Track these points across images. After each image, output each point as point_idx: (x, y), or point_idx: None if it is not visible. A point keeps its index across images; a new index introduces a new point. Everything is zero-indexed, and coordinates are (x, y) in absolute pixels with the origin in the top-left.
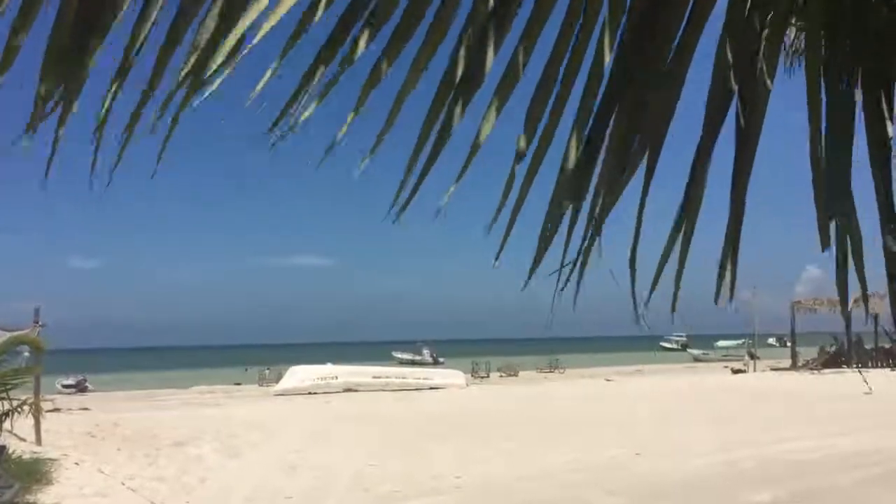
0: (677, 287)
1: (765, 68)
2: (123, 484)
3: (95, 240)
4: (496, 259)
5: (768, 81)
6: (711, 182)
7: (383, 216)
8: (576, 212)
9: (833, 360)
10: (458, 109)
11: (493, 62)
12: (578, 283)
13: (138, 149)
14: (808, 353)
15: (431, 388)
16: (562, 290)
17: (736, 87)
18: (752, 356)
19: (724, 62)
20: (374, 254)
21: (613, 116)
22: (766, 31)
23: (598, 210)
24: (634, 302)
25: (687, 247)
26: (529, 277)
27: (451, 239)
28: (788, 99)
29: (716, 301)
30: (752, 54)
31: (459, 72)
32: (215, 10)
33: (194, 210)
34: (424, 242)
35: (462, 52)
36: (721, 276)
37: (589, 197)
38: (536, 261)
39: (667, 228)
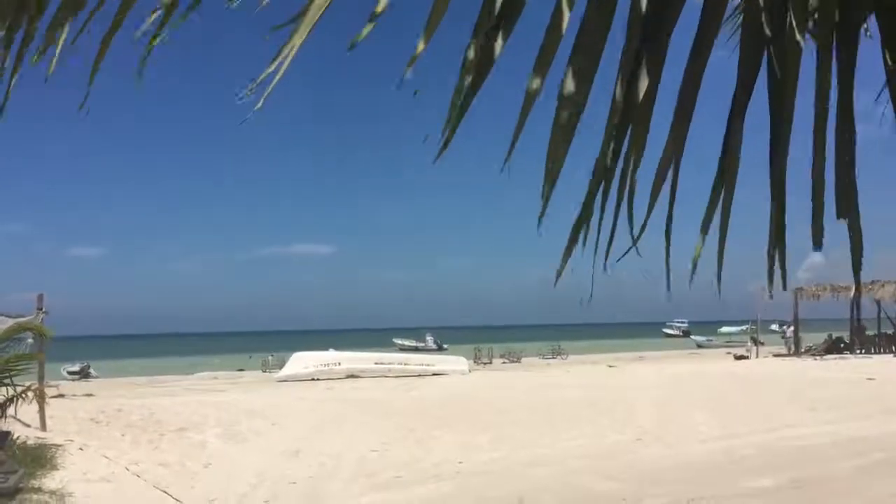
0: (721, 256)
1: (794, 22)
2: (128, 469)
3: (98, 228)
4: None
5: (799, 38)
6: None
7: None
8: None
9: (835, 347)
10: (499, 41)
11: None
12: (608, 249)
13: (139, 134)
14: (811, 339)
15: (434, 375)
16: (604, 263)
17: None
18: (755, 342)
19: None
20: (374, 241)
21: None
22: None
23: (629, 173)
24: (668, 272)
25: (727, 215)
26: (567, 258)
27: (453, 226)
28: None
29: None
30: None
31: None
32: None
33: (197, 198)
34: (425, 229)
35: None
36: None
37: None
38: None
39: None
